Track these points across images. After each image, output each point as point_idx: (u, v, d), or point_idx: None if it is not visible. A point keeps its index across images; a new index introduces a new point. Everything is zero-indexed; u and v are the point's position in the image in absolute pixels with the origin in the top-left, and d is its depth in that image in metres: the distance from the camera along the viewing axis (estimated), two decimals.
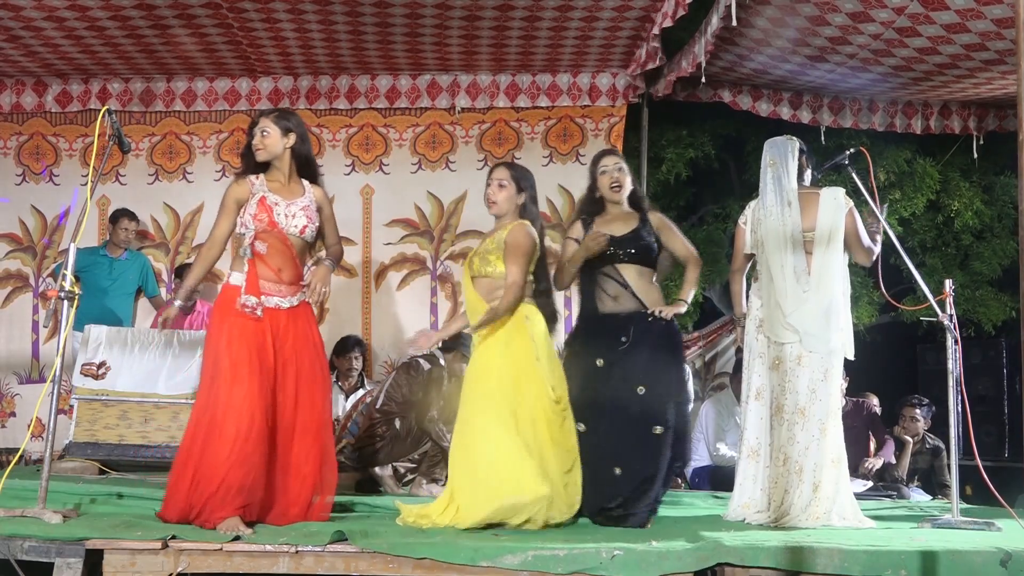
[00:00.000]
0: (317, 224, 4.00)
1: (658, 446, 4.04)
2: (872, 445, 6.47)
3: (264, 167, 3.97)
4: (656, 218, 4.36)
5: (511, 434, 3.83)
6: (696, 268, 4.39)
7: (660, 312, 4.14)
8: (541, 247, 4.12)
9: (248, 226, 3.87)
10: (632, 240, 4.24)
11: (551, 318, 4.11)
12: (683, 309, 4.26)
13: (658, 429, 4.03)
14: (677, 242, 4.38)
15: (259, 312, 3.79)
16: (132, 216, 6.61)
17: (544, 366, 3.98)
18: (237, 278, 3.84)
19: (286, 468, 3.76)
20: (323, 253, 4.14)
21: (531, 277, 4.08)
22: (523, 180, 4.15)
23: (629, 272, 4.22)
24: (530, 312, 4.03)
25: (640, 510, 3.98)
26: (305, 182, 4.03)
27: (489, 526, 3.72)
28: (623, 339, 4.13)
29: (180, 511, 3.61)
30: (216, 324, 3.82)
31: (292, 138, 3.95)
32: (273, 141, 3.92)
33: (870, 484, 5.98)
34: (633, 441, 4.04)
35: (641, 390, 4.07)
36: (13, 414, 6.85)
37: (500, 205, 4.11)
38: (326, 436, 3.88)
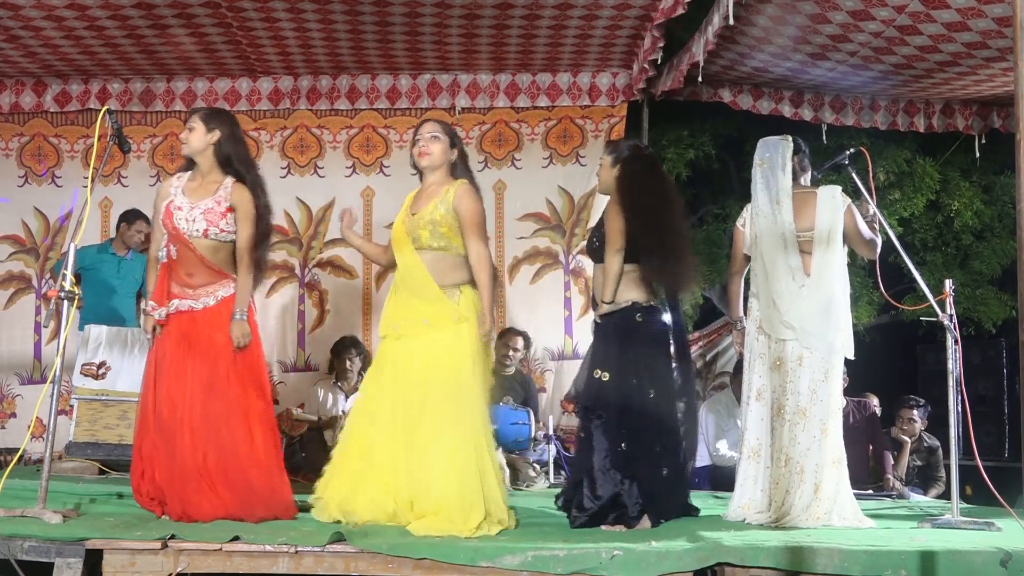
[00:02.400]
0: (225, 225, 3.93)
1: (584, 444, 4.11)
2: (870, 449, 6.45)
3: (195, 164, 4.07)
4: (605, 208, 4.23)
5: (485, 440, 3.78)
6: (606, 260, 4.03)
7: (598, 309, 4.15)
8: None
9: (162, 231, 3.98)
10: (586, 245, 4.41)
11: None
12: (601, 310, 4.07)
13: (582, 435, 4.12)
14: (606, 231, 4.09)
15: (159, 315, 3.90)
16: (148, 220, 6.59)
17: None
18: None
19: (245, 466, 3.80)
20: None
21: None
22: (454, 136, 4.01)
23: (595, 273, 4.29)
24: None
25: (573, 510, 4.00)
26: (228, 180, 3.99)
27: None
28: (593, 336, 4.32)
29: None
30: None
31: (215, 136, 3.97)
32: (196, 136, 3.98)
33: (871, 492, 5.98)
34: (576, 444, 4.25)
35: (576, 394, 4.29)
36: (14, 415, 6.85)
37: (435, 156, 3.90)
38: (246, 431, 3.85)
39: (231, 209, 3.93)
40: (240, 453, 3.80)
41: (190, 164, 4.08)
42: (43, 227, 7.06)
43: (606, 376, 4.03)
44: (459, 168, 3.99)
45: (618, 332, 4.08)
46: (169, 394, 3.83)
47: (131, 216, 6.55)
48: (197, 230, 3.90)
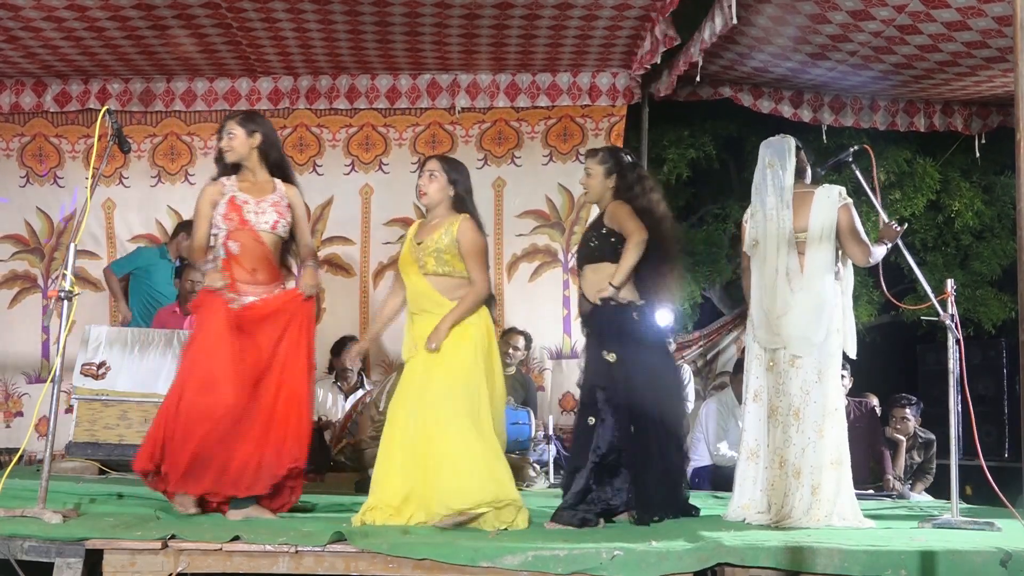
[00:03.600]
0: (290, 219, 4.09)
1: (587, 438, 4.04)
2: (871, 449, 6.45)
3: (238, 169, 4.10)
4: (608, 209, 4.23)
5: (491, 433, 3.87)
6: (631, 245, 4.07)
7: (593, 299, 4.11)
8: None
9: (220, 226, 4.00)
10: (578, 247, 4.38)
11: (490, 307, 4.15)
12: (607, 293, 4.06)
13: (591, 420, 4.05)
14: (621, 224, 4.14)
15: (235, 305, 3.92)
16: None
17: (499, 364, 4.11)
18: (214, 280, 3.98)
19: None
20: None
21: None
22: (454, 172, 4.09)
23: (585, 274, 4.26)
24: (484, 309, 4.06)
25: (569, 506, 3.95)
26: (277, 181, 4.13)
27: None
28: (585, 335, 4.33)
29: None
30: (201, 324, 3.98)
31: (257, 138, 4.07)
32: (239, 142, 4.06)
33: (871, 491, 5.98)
34: (575, 434, 4.20)
35: (583, 382, 4.22)
36: (20, 413, 6.86)
37: (431, 196, 4.05)
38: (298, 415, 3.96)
39: (290, 207, 4.09)
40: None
41: (230, 169, 4.13)
42: (47, 227, 7.06)
43: (612, 357, 4.04)
44: (463, 202, 4.09)
45: (615, 327, 4.09)
46: (235, 382, 3.84)
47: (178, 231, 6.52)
48: (266, 223, 4.01)
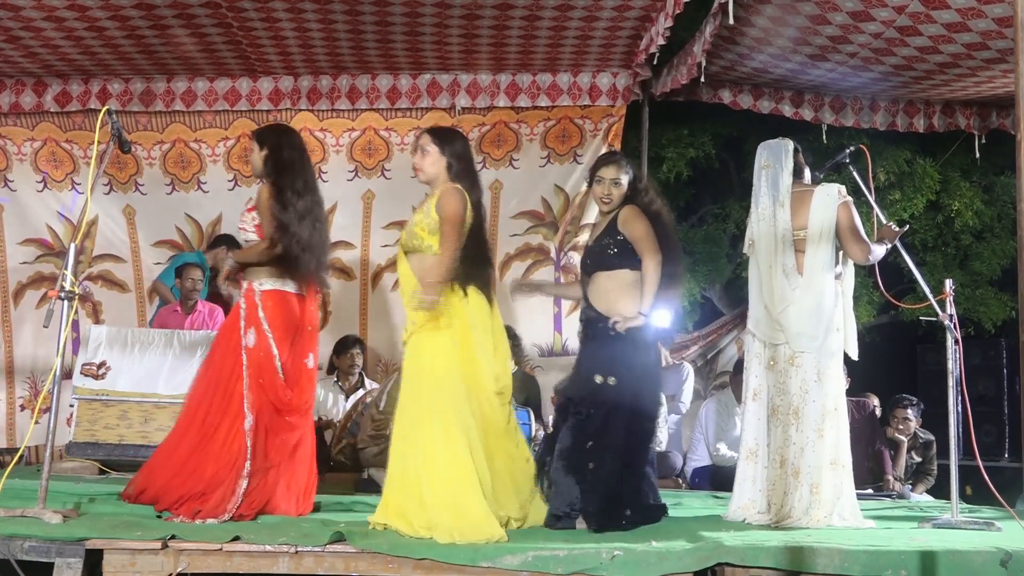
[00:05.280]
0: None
1: (585, 459, 3.94)
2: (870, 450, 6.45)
3: None
4: (623, 214, 4.09)
5: (463, 452, 3.59)
6: (650, 269, 3.95)
7: (614, 324, 3.95)
8: (476, 215, 3.85)
9: None
10: (589, 251, 4.24)
11: (487, 289, 3.87)
12: (638, 323, 3.92)
13: (588, 443, 3.96)
14: (636, 237, 4.02)
15: None
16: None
17: (487, 351, 3.80)
18: None
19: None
20: None
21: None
22: (445, 141, 3.88)
23: (594, 279, 4.12)
24: (470, 292, 3.77)
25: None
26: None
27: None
28: (581, 339, 4.24)
29: None
30: None
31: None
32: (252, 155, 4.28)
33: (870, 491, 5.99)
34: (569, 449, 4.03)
35: (581, 395, 4.08)
36: (48, 410, 6.86)
37: (426, 171, 3.86)
38: None
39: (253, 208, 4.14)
40: None
41: None
42: (69, 232, 7.05)
43: (612, 380, 3.93)
44: (457, 170, 3.89)
45: (618, 343, 3.98)
46: None
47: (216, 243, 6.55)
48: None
